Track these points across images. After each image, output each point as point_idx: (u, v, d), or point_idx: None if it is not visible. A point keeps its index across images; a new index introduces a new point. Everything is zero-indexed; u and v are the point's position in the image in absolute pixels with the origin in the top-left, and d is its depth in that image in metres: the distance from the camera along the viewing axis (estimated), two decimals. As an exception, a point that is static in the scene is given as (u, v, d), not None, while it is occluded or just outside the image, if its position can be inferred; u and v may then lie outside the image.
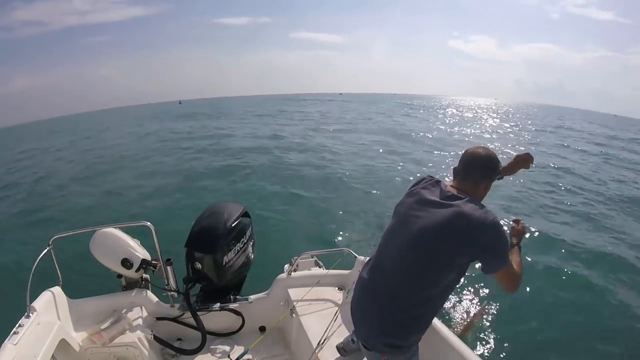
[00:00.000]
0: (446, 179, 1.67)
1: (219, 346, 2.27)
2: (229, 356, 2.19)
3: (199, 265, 2.15)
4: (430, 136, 18.45)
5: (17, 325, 1.65)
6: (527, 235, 1.45)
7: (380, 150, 13.82)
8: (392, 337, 1.35)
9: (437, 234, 1.28)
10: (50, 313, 1.87)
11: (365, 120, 26.65)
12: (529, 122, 33.38)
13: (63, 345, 1.79)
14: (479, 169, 1.40)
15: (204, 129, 22.33)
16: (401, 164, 11.63)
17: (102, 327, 1.96)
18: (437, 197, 1.36)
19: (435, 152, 14.07)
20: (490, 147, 1.77)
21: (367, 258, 2.35)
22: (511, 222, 1.59)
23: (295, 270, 2.50)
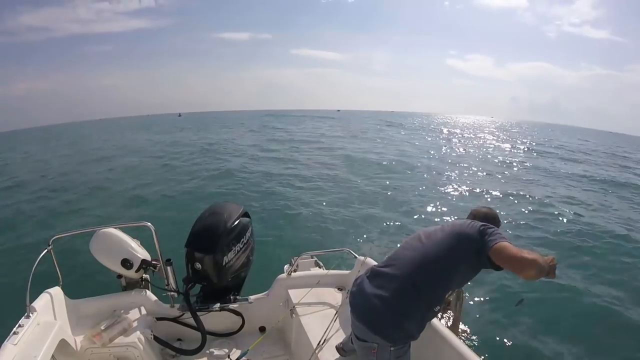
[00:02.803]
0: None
1: (219, 346, 2.27)
2: (229, 356, 2.19)
3: (199, 266, 2.15)
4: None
5: (17, 325, 1.65)
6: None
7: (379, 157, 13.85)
8: (398, 317, 1.40)
9: (449, 235, 1.53)
10: (50, 313, 1.87)
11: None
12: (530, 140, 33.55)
13: (63, 345, 1.79)
14: (480, 218, 1.66)
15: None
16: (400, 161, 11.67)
17: (102, 327, 1.96)
18: (448, 224, 1.65)
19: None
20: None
21: (367, 258, 2.36)
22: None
23: (295, 271, 2.50)
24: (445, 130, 38.14)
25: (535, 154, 20.66)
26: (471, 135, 34.78)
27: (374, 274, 1.56)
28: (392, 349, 1.40)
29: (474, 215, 1.70)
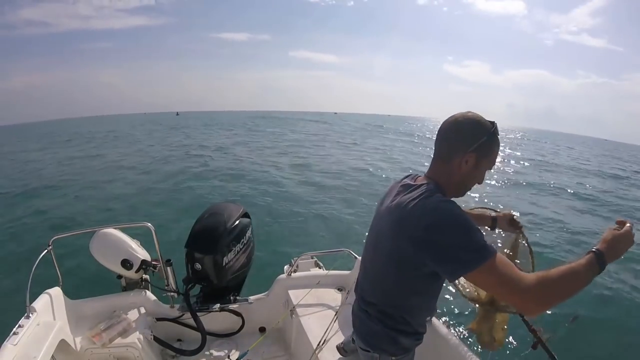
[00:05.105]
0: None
1: (219, 347, 2.27)
2: (228, 357, 2.19)
3: (198, 266, 2.15)
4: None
5: (17, 325, 1.65)
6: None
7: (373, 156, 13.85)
8: (390, 335, 1.28)
9: (380, 235, 1.16)
10: (50, 313, 1.87)
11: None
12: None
13: (63, 345, 1.79)
14: (446, 141, 1.11)
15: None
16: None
17: (102, 327, 1.96)
18: (392, 195, 1.17)
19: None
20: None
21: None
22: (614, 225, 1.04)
23: (295, 271, 2.50)
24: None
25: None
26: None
27: (357, 293, 1.38)
28: (393, 358, 1.34)
29: (439, 139, 1.12)
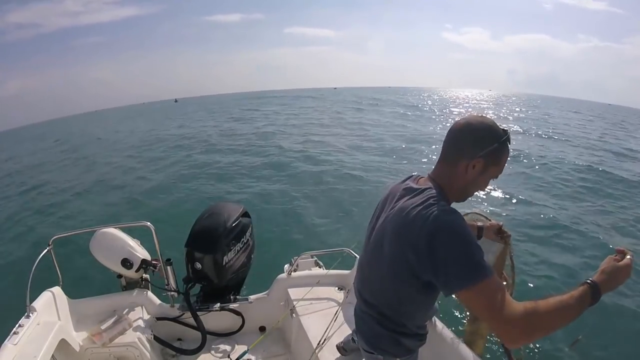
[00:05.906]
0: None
1: (219, 346, 2.27)
2: (229, 356, 2.19)
3: (199, 265, 2.15)
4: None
5: (17, 325, 1.65)
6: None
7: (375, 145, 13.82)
8: (393, 336, 1.27)
9: (380, 239, 1.12)
10: (50, 313, 1.88)
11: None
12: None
13: (63, 345, 1.79)
14: (454, 143, 1.08)
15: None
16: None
17: (102, 327, 1.97)
18: (394, 198, 1.15)
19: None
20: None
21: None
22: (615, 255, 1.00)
23: (295, 270, 2.50)
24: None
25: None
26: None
27: (356, 295, 1.35)
28: (397, 359, 1.34)
29: (447, 141, 1.09)
